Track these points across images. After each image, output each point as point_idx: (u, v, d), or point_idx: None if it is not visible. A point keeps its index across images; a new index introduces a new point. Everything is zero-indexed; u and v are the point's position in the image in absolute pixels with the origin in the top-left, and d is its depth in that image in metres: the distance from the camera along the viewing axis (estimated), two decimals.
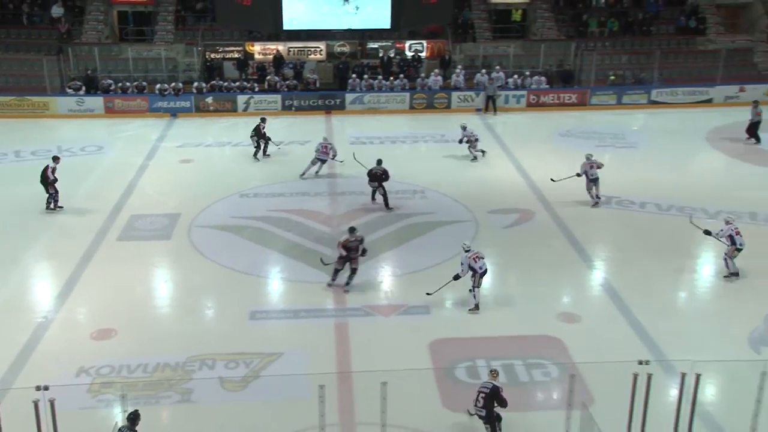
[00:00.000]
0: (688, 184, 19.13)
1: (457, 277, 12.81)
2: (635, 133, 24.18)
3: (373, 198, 17.85)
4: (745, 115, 23.36)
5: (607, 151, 22.03)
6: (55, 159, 17.60)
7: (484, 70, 27.33)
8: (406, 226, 16.54)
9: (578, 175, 17.59)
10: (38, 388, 8.04)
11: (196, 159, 21.59)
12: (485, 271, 12.78)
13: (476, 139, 21.10)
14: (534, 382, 10.98)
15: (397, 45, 29.30)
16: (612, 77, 28.09)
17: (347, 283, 13.60)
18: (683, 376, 8.65)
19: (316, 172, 19.78)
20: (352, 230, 13.76)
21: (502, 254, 15.25)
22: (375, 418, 8.48)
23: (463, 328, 12.38)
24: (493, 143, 22.49)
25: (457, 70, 27.54)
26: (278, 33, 27.95)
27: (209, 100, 26.41)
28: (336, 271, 13.65)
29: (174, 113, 26.20)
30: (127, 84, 26.80)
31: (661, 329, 12.14)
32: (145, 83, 27.06)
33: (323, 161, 19.71)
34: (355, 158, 19.21)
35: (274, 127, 24.77)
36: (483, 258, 12.83)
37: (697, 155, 22.06)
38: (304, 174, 19.74)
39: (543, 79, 27.60)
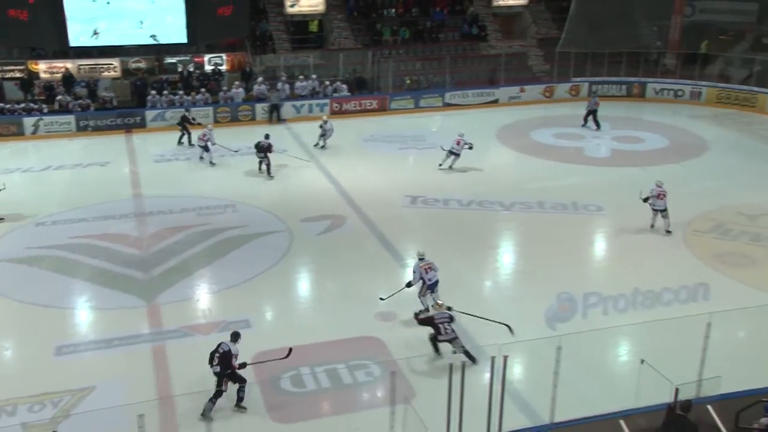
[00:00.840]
0: (484, 179, 20.38)
1: (409, 285, 12.89)
2: (434, 134, 25.35)
3: (260, 169, 20.49)
4: (526, 114, 25.44)
5: (409, 153, 22.94)
6: None
7: (285, 77, 27.40)
8: (220, 241, 16.13)
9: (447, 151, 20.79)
10: None
11: None
12: (435, 282, 12.83)
13: (330, 129, 23.06)
14: (358, 383, 11.13)
15: (196, 59, 28.54)
16: (408, 82, 29.31)
17: (241, 399, 10.43)
18: (493, 359, 9.13)
19: (200, 158, 21.87)
20: (235, 336, 10.66)
21: (318, 261, 15.35)
22: None
23: (284, 338, 12.25)
24: (300, 152, 22.58)
25: (259, 81, 27.36)
26: (65, 50, 26.20)
27: None
28: (218, 395, 10.24)
29: None
30: None
31: (471, 318, 12.75)
32: None
33: (202, 147, 21.71)
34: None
35: (68, 149, 23.24)
36: (435, 270, 12.88)
37: (491, 152, 23.52)
38: (202, 157, 21.86)
39: (344, 86, 28.16)
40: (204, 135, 21.63)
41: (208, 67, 28.56)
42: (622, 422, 9.32)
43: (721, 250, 15.51)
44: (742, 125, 25.91)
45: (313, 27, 31.81)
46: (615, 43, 29.74)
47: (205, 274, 14.69)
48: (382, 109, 27.92)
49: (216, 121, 26.02)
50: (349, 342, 12.16)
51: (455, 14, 32.76)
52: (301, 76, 27.89)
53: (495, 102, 28.96)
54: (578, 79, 29.78)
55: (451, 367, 8.96)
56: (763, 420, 9.21)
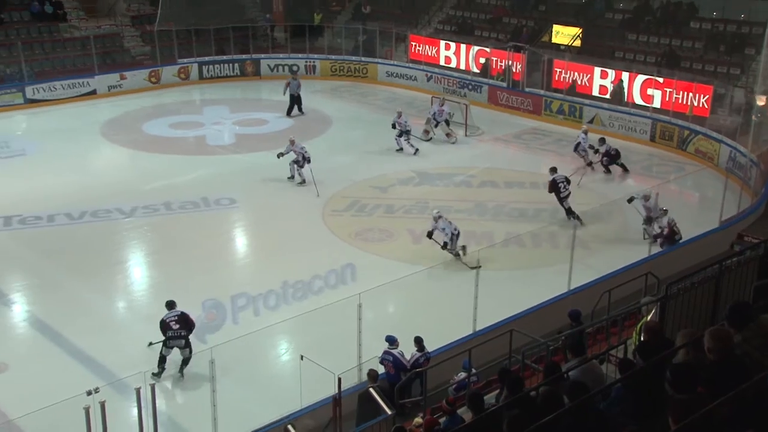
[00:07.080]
0: (95, 184, 19.40)
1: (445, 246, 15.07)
2: (20, 138, 23.48)
3: None
4: (133, 104, 25.17)
5: None
6: None
7: None
8: None
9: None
10: None
11: None
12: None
13: None
14: None
15: None
16: None
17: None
18: (139, 390, 9.02)
19: None
20: (171, 305, 11.90)
21: None
22: None
23: None
24: None
25: None
26: None
27: None
28: (162, 361, 11.60)
29: None
30: None
31: (103, 349, 12.24)
32: None
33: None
34: None
35: None
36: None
37: (97, 152, 22.55)
38: None
39: None
40: None
41: None
42: (290, 427, 9.78)
43: (360, 227, 17.02)
44: (358, 96, 28.65)
45: None
46: (218, 18, 30.55)
47: None
48: None
49: None
50: None
51: None
52: None
53: (92, 93, 27.73)
54: (185, 60, 29.94)
55: (87, 411, 8.53)
56: (460, 375, 10.58)
